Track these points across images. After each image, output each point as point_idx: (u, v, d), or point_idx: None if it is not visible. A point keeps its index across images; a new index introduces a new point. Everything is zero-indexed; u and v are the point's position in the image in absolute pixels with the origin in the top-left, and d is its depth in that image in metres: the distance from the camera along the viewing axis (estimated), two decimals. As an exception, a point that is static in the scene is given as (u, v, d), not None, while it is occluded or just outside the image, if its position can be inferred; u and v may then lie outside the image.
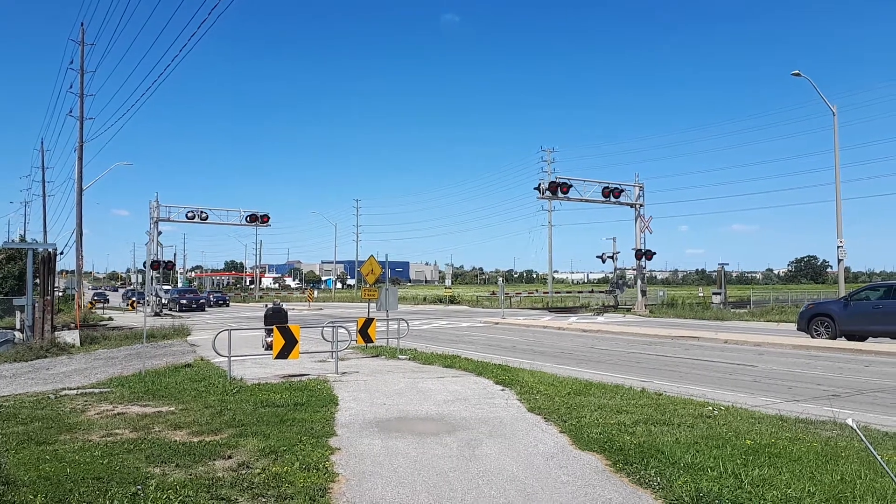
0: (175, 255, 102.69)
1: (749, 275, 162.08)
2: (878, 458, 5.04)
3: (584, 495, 5.42)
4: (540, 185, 37.63)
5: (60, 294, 43.02)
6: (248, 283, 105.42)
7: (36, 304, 20.01)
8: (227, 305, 58.41)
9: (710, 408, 8.92)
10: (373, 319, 15.58)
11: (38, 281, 23.19)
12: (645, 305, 40.42)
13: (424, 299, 63.56)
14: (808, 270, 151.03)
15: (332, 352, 13.40)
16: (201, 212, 45.68)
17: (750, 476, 5.61)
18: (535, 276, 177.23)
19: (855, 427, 5.19)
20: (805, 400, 10.39)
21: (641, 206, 40.63)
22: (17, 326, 21.76)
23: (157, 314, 40.49)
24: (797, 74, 30.13)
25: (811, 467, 5.92)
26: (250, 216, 47.42)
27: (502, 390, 10.57)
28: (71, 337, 19.92)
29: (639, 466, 6.06)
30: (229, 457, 6.48)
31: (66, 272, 64.13)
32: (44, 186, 57.04)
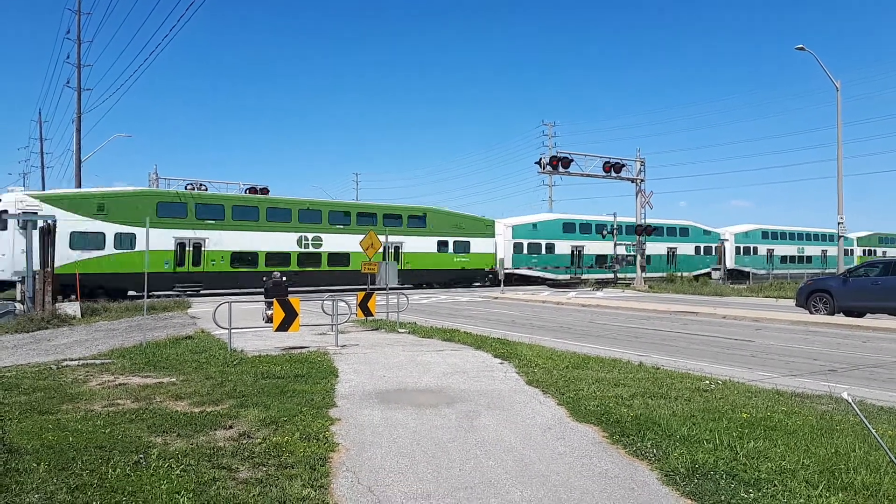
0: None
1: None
2: (873, 431, 5.11)
3: (581, 466, 5.49)
4: (541, 159, 37.48)
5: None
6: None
7: (36, 276, 20.05)
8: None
9: (707, 382, 8.99)
10: (372, 293, 15.62)
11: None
12: (644, 280, 40.53)
13: (424, 273, 63.62)
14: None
15: (332, 325, 13.46)
16: (200, 184, 45.53)
17: (745, 448, 5.68)
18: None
19: (850, 401, 5.26)
20: (802, 375, 10.46)
21: (642, 181, 40.54)
22: (18, 298, 21.86)
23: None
24: (801, 49, 29.85)
25: (806, 440, 5.99)
26: (250, 189, 47.22)
27: (501, 363, 10.64)
28: (72, 308, 19.98)
29: (635, 438, 6.13)
30: (230, 427, 6.55)
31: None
32: (42, 158, 56.85)
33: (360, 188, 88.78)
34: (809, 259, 58.63)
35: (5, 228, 24.90)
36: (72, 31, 36.72)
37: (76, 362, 10.92)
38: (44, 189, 55.57)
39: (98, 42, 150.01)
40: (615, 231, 44.42)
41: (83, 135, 35.33)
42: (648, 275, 43.09)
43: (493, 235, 39.87)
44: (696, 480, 5.02)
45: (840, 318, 19.15)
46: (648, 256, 45.72)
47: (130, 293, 27.62)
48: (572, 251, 43.67)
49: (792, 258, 58.13)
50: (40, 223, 21.22)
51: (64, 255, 25.00)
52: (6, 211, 24.56)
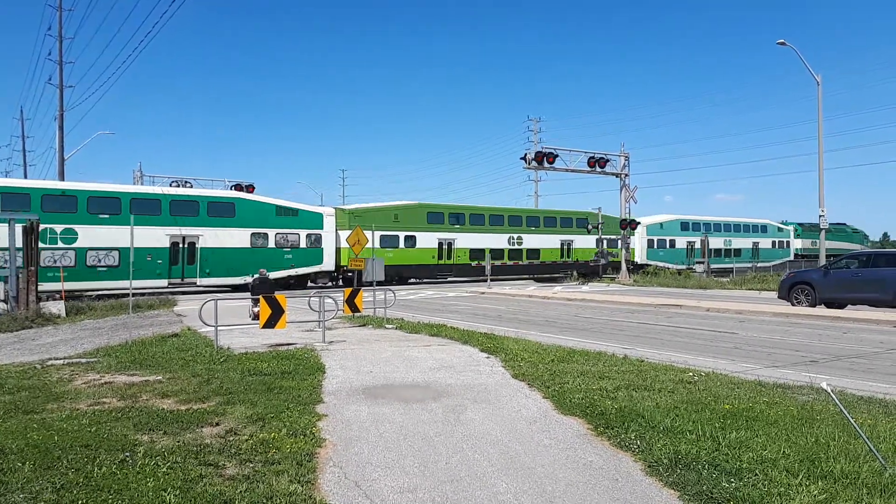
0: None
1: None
2: (852, 420, 5.22)
3: (566, 458, 5.55)
4: (526, 155, 37.61)
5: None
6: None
7: (20, 275, 19.85)
8: (213, 276, 57.98)
9: (691, 374, 9.09)
10: (359, 289, 15.63)
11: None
12: (629, 274, 40.78)
13: (411, 269, 63.64)
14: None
15: (319, 321, 13.45)
16: (185, 181, 45.26)
17: (727, 439, 5.77)
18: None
19: (830, 391, 5.37)
20: (784, 366, 10.61)
21: (626, 175, 40.75)
22: (1, 297, 21.64)
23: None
24: (782, 44, 30.10)
25: (787, 430, 6.09)
26: (235, 186, 47.00)
27: (487, 358, 10.70)
28: (56, 307, 19.81)
29: (619, 430, 6.21)
30: (217, 424, 6.55)
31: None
32: (24, 156, 56.16)
33: (346, 184, 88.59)
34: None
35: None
36: (53, 27, 36.34)
37: (61, 361, 10.85)
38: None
39: (80, 38, 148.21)
40: (600, 226, 44.62)
41: (66, 132, 35.00)
42: (737, 265, 48.89)
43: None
44: (678, 471, 5.09)
45: (821, 310, 19.40)
46: (739, 250, 54.06)
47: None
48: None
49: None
50: (23, 222, 20.97)
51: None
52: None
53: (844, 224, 70.76)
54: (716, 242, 51.82)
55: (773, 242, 58.98)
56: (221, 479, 4.95)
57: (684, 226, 51.69)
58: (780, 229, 60.10)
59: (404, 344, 12.42)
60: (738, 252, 54.54)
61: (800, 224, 61.83)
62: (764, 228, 58.42)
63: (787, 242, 60.44)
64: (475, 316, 19.70)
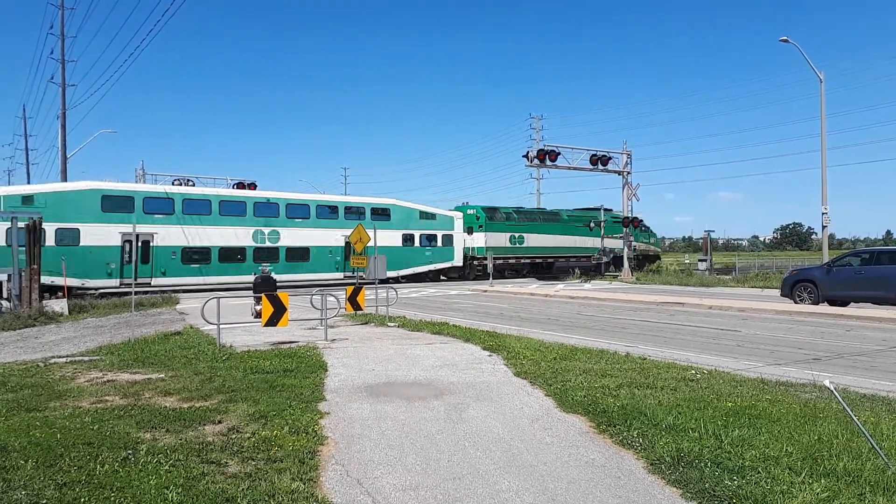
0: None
1: (735, 242, 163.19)
2: (855, 418, 5.20)
3: (568, 456, 5.55)
4: (528, 152, 37.56)
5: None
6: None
7: (22, 273, 19.88)
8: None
9: (693, 371, 9.08)
10: (361, 287, 15.62)
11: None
12: (631, 272, 40.75)
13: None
14: (794, 237, 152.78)
15: (321, 319, 13.46)
16: (188, 179, 45.27)
17: (730, 437, 5.76)
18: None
19: (833, 389, 5.35)
20: (786, 364, 10.58)
21: (629, 173, 40.69)
22: (4, 296, 21.66)
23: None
24: (785, 41, 30.02)
25: (790, 428, 6.07)
26: (237, 184, 46.99)
27: (490, 356, 10.69)
28: (59, 305, 19.82)
29: (622, 428, 6.20)
30: (219, 422, 6.56)
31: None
32: (27, 155, 56.30)
33: (348, 182, 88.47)
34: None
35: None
36: (55, 26, 36.38)
37: (64, 359, 10.86)
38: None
39: (82, 37, 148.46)
40: (602, 224, 44.57)
41: (69, 131, 35.13)
42: (304, 276, 32.61)
43: None
44: (681, 469, 5.09)
45: (824, 308, 19.36)
46: (306, 249, 32.86)
47: None
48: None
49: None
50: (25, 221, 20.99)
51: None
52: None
53: (605, 210, 47.00)
54: (242, 236, 31.00)
55: (408, 238, 36.48)
56: (224, 477, 4.95)
57: (106, 204, 27.77)
58: (426, 215, 37.65)
59: (406, 342, 12.42)
60: (304, 253, 32.84)
61: (487, 208, 40.96)
62: (382, 213, 35.76)
63: (448, 237, 38.27)
64: (477, 314, 19.70)
